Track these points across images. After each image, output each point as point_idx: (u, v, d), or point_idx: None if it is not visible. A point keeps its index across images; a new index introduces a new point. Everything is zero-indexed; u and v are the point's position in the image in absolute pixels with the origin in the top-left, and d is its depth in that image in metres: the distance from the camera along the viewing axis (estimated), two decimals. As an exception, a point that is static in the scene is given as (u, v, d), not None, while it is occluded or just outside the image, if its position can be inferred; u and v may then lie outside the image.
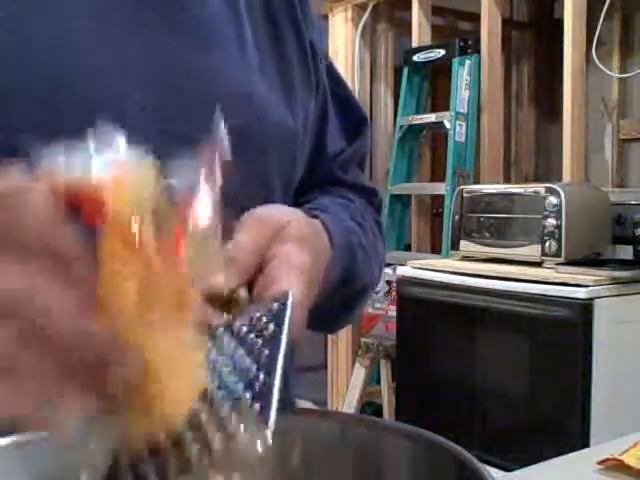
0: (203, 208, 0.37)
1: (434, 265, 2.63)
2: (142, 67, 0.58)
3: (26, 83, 0.53)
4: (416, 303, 2.64)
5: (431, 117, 3.22)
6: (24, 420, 0.32)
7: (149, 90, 0.58)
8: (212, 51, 0.63)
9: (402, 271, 2.74)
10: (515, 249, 2.49)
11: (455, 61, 3.07)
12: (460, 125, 3.06)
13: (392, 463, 0.48)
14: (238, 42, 0.65)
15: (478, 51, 3.07)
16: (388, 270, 3.12)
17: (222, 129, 0.40)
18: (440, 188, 3.12)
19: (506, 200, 2.58)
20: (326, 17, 3.57)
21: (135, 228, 0.32)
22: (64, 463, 0.42)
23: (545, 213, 2.37)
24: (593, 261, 2.35)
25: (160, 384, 0.33)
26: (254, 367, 0.38)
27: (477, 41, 3.08)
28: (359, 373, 3.13)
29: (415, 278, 2.64)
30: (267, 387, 0.36)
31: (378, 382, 3.12)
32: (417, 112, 3.31)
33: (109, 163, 0.33)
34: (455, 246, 2.70)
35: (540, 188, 2.44)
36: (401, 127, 3.30)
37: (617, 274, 2.22)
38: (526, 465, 0.83)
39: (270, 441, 0.34)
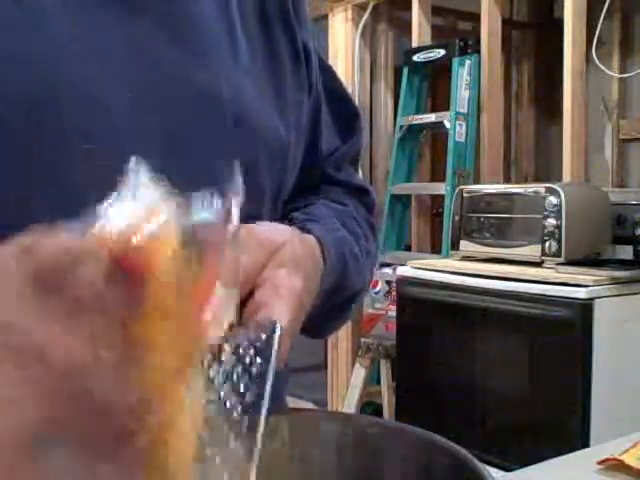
0: (228, 257, 0.37)
1: (434, 265, 2.63)
2: (130, 71, 0.58)
3: (10, 94, 0.53)
4: (416, 303, 2.64)
5: (431, 117, 3.22)
6: None
7: (137, 94, 0.57)
8: (203, 55, 0.63)
9: (402, 271, 2.74)
10: (515, 249, 2.49)
11: (455, 61, 3.07)
12: (460, 125, 3.06)
13: (392, 463, 0.48)
14: (230, 45, 0.65)
15: (478, 51, 3.07)
16: (388, 270, 3.12)
17: (240, 184, 0.39)
18: (440, 188, 3.12)
19: (506, 200, 2.58)
20: (326, 17, 3.56)
21: (177, 287, 0.33)
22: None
23: (545, 213, 2.37)
24: (593, 261, 2.35)
25: (167, 442, 0.34)
26: (239, 408, 0.38)
27: (477, 41, 3.08)
28: (359, 373, 3.13)
29: (415, 278, 2.64)
30: (251, 432, 0.36)
31: (378, 382, 3.12)
32: (417, 112, 3.31)
33: (147, 217, 0.33)
34: (455, 246, 2.70)
35: (540, 188, 2.43)
36: (401, 127, 3.30)
37: (617, 274, 2.22)
38: (526, 465, 0.83)
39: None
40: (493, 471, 0.45)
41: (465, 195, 2.68)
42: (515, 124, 3.69)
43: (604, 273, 2.21)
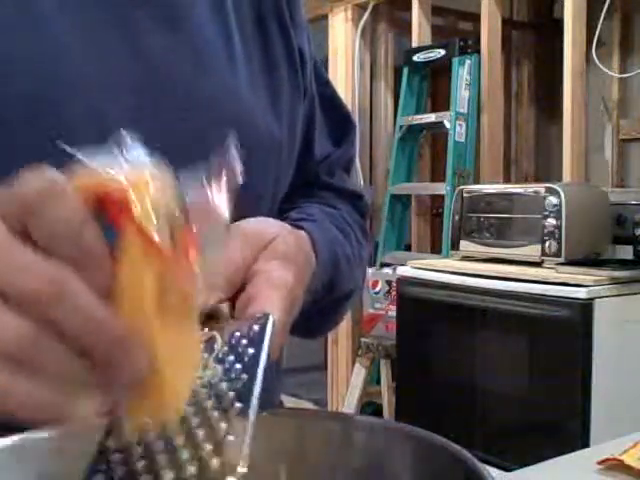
0: (213, 218, 0.38)
1: (434, 265, 2.63)
2: (128, 73, 0.58)
3: (9, 94, 0.53)
4: (416, 303, 2.64)
5: (431, 117, 3.22)
6: (42, 415, 0.33)
7: (136, 95, 0.57)
8: (199, 57, 0.63)
9: (402, 271, 2.74)
10: (515, 249, 2.49)
11: (455, 61, 3.07)
12: (460, 125, 3.06)
13: (392, 463, 0.48)
14: (226, 48, 0.65)
15: (478, 51, 3.08)
16: (388, 270, 3.12)
17: (234, 153, 0.40)
18: (440, 188, 3.12)
19: (506, 200, 2.58)
20: (326, 17, 3.57)
21: (155, 229, 0.33)
22: (64, 463, 0.42)
23: (545, 213, 2.37)
24: (593, 261, 2.35)
25: (162, 375, 0.34)
26: (230, 395, 0.38)
27: (477, 41, 3.08)
28: (359, 373, 3.13)
29: (415, 278, 2.64)
30: (242, 417, 0.37)
31: (378, 382, 3.12)
32: (417, 112, 3.31)
33: (131, 166, 0.34)
34: (455, 246, 2.70)
35: (540, 188, 2.43)
36: (401, 127, 3.30)
37: (617, 274, 2.22)
38: (526, 465, 0.83)
39: (243, 470, 0.34)
40: (493, 471, 0.45)
41: (465, 195, 2.68)
42: (515, 124, 3.69)
43: (604, 273, 2.21)
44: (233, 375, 0.40)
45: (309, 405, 3.40)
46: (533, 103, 3.66)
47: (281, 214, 0.69)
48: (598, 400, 2.12)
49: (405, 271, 2.72)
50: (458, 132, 3.06)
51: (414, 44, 3.28)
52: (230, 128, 0.61)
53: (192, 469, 0.35)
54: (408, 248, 3.43)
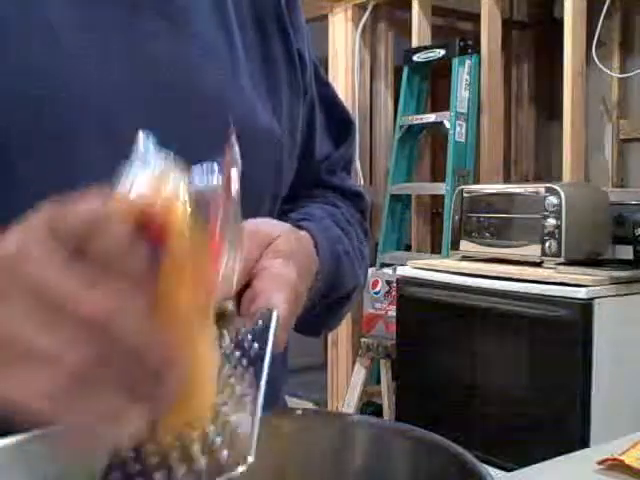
0: (230, 214, 0.39)
1: (434, 265, 2.63)
2: (131, 73, 0.58)
3: (10, 94, 0.53)
4: (416, 303, 2.64)
5: (431, 117, 3.22)
6: (92, 433, 0.34)
7: (137, 95, 0.58)
8: (201, 57, 0.63)
9: (402, 271, 2.74)
10: (515, 249, 2.49)
11: (455, 61, 3.07)
12: (460, 125, 3.06)
13: (392, 463, 0.48)
14: (227, 50, 0.65)
15: (478, 51, 3.07)
16: (388, 270, 3.12)
17: (237, 151, 0.41)
18: (440, 188, 3.12)
19: (506, 200, 2.58)
20: (326, 17, 3.56)
21: (191, 245, 0.35)
22: (64, 463, 0.42)
23: (545, 213, 2.37)
24: (593, 261, 2.35)
25: (194, 384, 0.36)
26: (237, 388, 0.39)
27: (477, 41, 3.08)
28: (359, 373, 3.13)
29: (415, 278, 2.64)
30: (250, 410, 0.38)
31: (378, 382, 3.12)
32: (417, 112, 3.31)
33: (160, 180, 0.36)
34: (455, 246, 2.70)
35: (540, 188, 2.43)
36: (401, 127, 3.30)
37: (617, 274, 2.22)
38: (526, 465, 0.83)
39: (252, 460, 0.35)
40: (493, 471, 0.45)
41: (465, 195, 2.68)
42: (515, 124, 3.68)
43: (604, 273, 2.21)
44: (240, 370, 0.40)
45: (309, 405, 3.40)
46: (533, 103, 3.66)
47: (282, 215, 0.70)
48: (598, 400, 2.12)
49: (405, 271, 2.72)
50: (458, 132, 3.06)
51: (414, 44, 3.28)
52: (233, 127, 0.61)
53: (203, 462, 0.36)
54: (408, 248, 3.43)
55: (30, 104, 0.53)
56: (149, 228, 0.34)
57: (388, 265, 3.21)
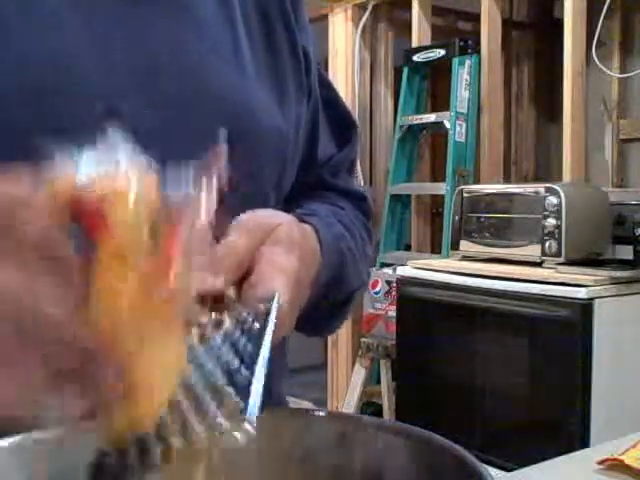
0: (197, 221, 0.39)
1: (434, 265, 2.63)
2: (132, 68, 0.58)
3: (11, 88, 0.53)
4: (416, 303, 2.64)
5: (431, 117, 3.22)
6: (19, 418, 0.34)
7: (140, 90, 0.58)
8: (206, 52, 0.63)
9: (402, 271, 2.74)
10: (515, 249, 2.49)
11: (455, 61, 3.07)
12: (460, 125, 3.06)
13: (392, 463, 0.48)
14: (233, 45, 0.65)
15: (478, 51, 3.07)
16: (388, 270, 3.12)
17: (224, 152, 0.41)
18: (440, 188, 3.12)
19: (506, 200, 2.58)
20: (326, 17, 3.56)
21: (131, 243, 0.34)
22: (63, 463, 0.42)
23: (545, 213, 2.37)
24: (593, 261, 2.35)
25: (142, 380, 0.35)
26: (236, 361, 0.39)
27: (477, 41, 3.08)
28: (359, 373, 3.13)
29: (415, 278, 2.64)
30: (248, 379, 0.38)
31: (378, 382, 3.12)
32: (417, 112, 3.31)
33: (114, 172, 0.35)
34: (455, 246, 2.70)
35: (540, 188, 2.43)
36: (401, 127, 3.30)
37: (617, 274, 2.22)
38: (526, 465, 0.83)
39: (251, 431, 0.36)
40: (493, 471, 0.45)
41: (465, 195, 2.68)
42: (515, 124, 3.68)
43: (604, 273, 2.21)
44: (240, 346, 0.41)
45: (309, 405, 3.40)
46: (533, 103, 3.66)
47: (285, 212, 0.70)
48: (598, 400, 2.12)
49: (405, 271, 2.72)
50: (458, 132, 3.06)
51: (414, 44, 3.28)
52: (238, 123, 0.61)
53: (201, 433, 0.36)
54: (408, 248, 3.43)
55: (30, 97, 0.53)
56: (84, 216, 0.34)
57: (388, 265, 3.21)
